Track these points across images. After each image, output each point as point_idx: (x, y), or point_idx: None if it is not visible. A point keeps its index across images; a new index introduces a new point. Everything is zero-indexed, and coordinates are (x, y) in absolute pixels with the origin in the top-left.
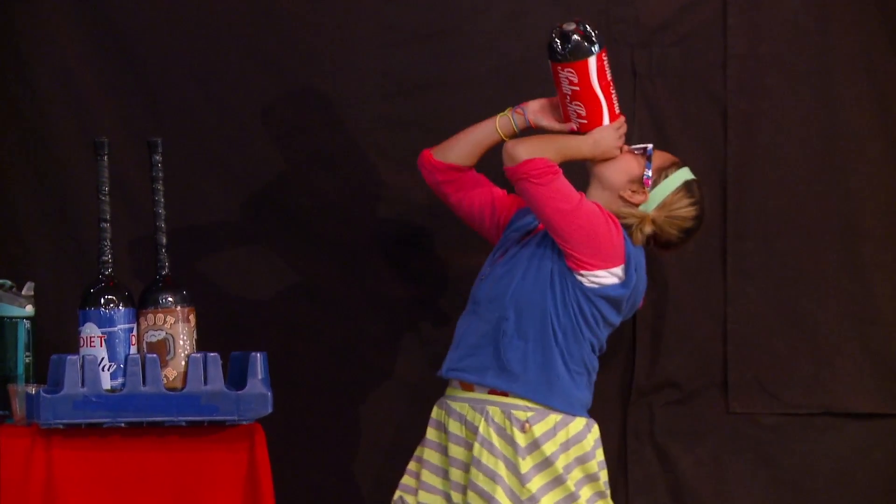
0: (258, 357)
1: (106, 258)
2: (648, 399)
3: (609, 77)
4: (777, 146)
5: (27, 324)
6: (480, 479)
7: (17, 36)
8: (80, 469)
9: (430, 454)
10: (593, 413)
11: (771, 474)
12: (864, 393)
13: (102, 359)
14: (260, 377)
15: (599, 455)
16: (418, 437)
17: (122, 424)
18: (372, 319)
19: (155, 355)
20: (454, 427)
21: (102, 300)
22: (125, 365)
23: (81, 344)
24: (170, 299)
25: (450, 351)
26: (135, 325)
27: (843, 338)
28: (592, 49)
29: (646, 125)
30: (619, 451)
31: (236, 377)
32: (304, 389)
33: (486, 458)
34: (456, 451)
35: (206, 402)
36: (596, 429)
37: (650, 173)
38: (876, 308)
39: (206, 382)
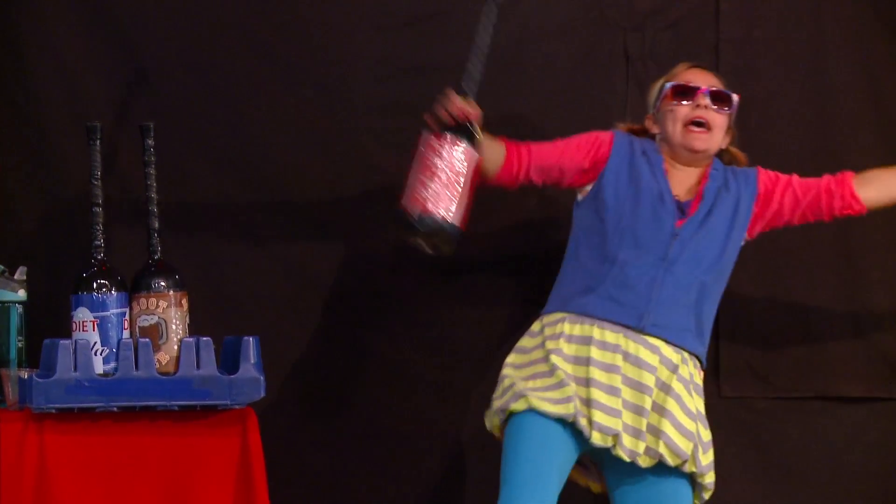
0: (250, 341)
1: (98, 243)
2: None
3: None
4: (769, 130)
5: (20, 308)
6: (681, 417)
7: (11, 22)
8: (72, 453)
9: (598, 374)
10: None
11: (763, 458)
12: (856, 377)
13: (95, 343)
14: (252, 361)
15: None
16: (412, 420)
17: (115, 409)
18: (365, 303)
19: (147, 340)
20: (646, 355)
21: (95, 285)
22: (117, 349)
23: (74, 328)
24: (162, 284)
25: (625, 294)
26: (127, 310)
27: (836, 322)
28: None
29: (638, 109)
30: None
31: (229, 362)
32: (296, 373)
33: (688, 401)
34: (649, 379)
35: (199, 387)
36: None
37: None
38: (868, 292)
39: (198, 367)
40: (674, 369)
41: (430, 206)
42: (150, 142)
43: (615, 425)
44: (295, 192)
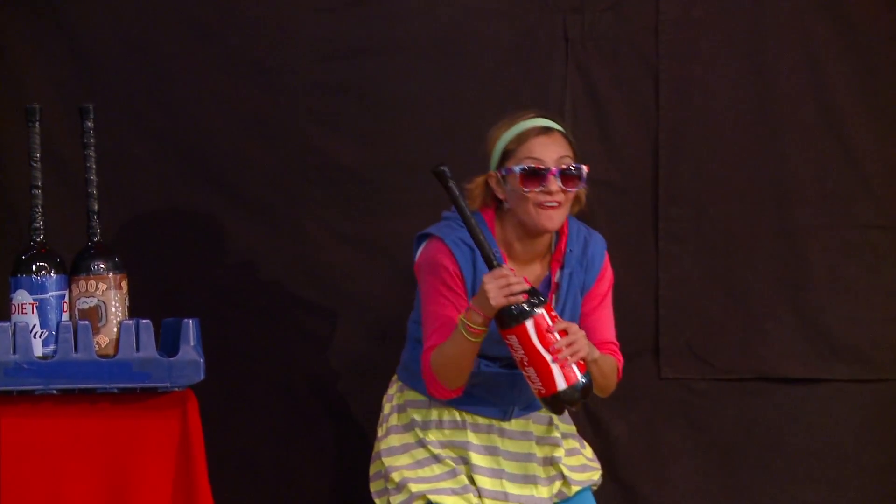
0: (190, 323)
1: (37, 225)
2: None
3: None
4: (709, 111)
5: None
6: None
7: None
8: (11, 436)
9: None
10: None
11: (703, 440)
12: (796, 358)
13: (34, 326)
14: (192, 344)
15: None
16: (351, 403)
17: (54, 391)
18: (305, 285)
19: (87, 322)
20: (520, 426)
21: (34, 267)
22: (57, 332)
23: (13, 311)
24: (101, 266)
25: (492, 395)
26: (66, 292)
27: (775, 303)
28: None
29: (578, 91)
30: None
31: (168, 344)
32: (236, 356)
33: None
34: (529, 446)
35: (139, 369)
36: None
37: (499, 172)
38: (808, 273)
39: (138, 349)
40: (549, 420)
41: (572, 377)
42: (90, 124)
43: None
44: (235, 174)
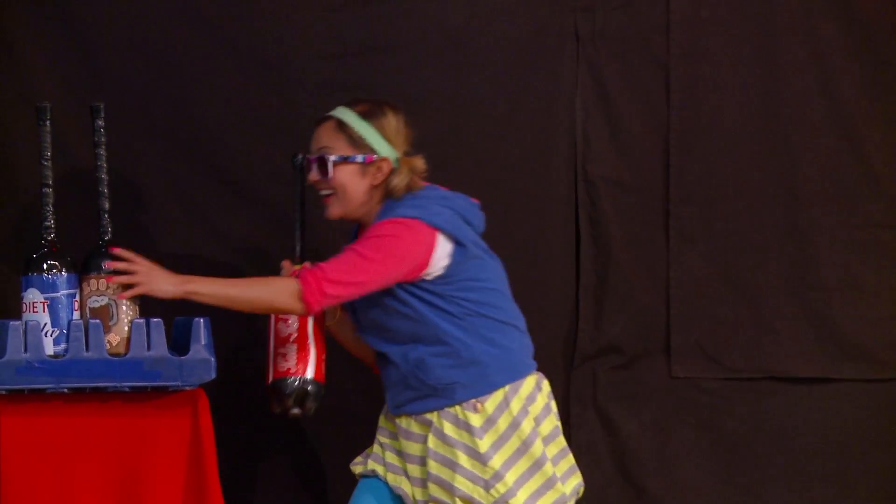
0: (201, 322)
1: (48, 223)
2: (591, 364)
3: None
4: (720, 110)
5: None
6: (436, 469)
7: None
8: (22, 435)
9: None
10: None
11: (713, 439)
12: (806, 357)
13: (45, 324)
14: (203, 342)
15: (534, 410)
16: (363, 401)
17: (65, 390)
18: None
19: (98, 321)
20: (405, 423)
21: (45, 266)
22: (68, 330)
23: (24, 309)
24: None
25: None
26: (77, 291)
27: (786, 302)
28: None
29: (588, 90)
30: (562, 417)
31: (180, 343)
32: (248, 354)
33: (442, 449)
34: (411, 448)
35: (149, 368)
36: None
37: (357, 155)
38: (818, 272)
39: (149, 348)
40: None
41: (294, 370)
42: (101, 122)
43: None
44: (244, 172)
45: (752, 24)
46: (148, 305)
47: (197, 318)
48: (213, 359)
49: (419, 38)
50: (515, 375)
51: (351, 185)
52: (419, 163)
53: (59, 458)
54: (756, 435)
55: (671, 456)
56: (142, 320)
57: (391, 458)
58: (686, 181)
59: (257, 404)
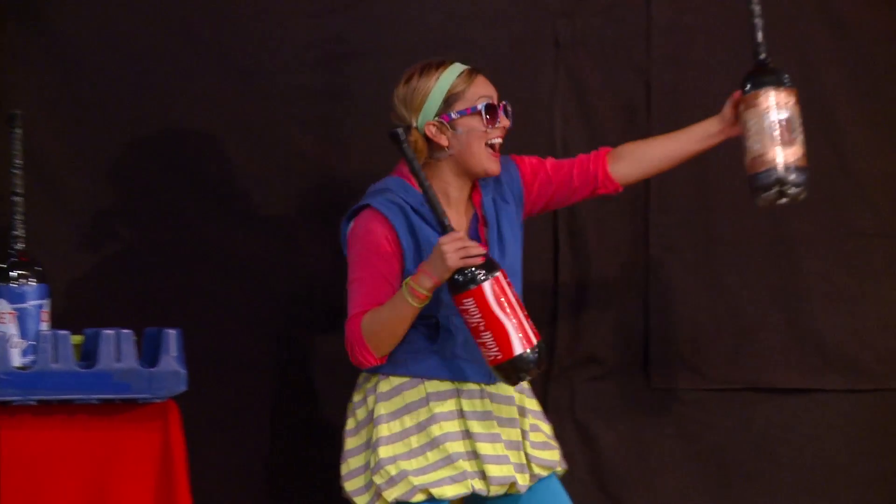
0: (172, 333)
1: (17, 233)
2: (569, 375)
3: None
4: (701, 118)
5: None
6: (538, 435)
7: None
8: None
9: (476, 426)
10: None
11: (693, 450)
12: (788, 368)
13: (13, 336)
14: (174, 354)
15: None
16: (336, 414)
17: (33, 402)
18: (290, 293)
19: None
20: (494, 388)
21: (14, 275)
22: (36, 342)
23: None
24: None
25: (470, 352)
26: (46, 301)
27: (767, 312)
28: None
29: (568, 96)
30: None
31: (150, 354)
32: (220, 366)
33: (535, 407)
34: (512, 412)
35: (119, 380)
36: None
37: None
38: (801, 281)
39: (118, 359)
40: (520, 389)
41: (531, 339)
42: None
43: (508, 472)
44: (219, 180)
45: (734, 30)
46: (114, 315)
47: (167, 329)
48: (183, 370)
49: (399, 45)
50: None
51: None
52: None
53: (26, 472)
54: (738, 447)
55: (650, 469)
56: (111, 331)
57: (486, 448)
58: (666, 189)
59: (230, 417)
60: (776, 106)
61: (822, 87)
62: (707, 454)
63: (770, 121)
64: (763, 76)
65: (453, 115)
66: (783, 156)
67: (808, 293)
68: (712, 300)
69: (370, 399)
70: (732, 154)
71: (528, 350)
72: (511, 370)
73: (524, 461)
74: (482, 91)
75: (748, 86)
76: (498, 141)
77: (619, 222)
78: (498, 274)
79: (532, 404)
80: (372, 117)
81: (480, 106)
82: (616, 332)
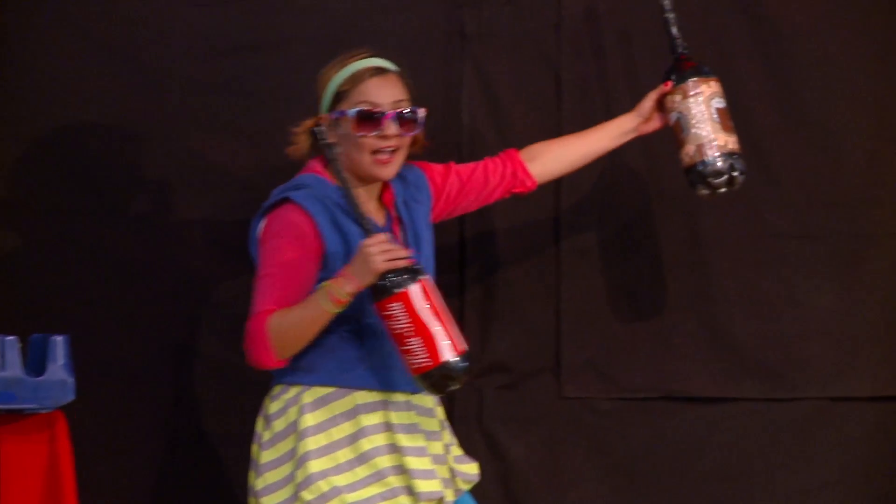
0: (59, 340)
1: None
2: (477, 383)
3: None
4: (612, 113)
5: None
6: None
7: None
8: None
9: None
10: None
11: (607, 462)
12: (705, 376)
13: None
14: (61, 362)
15: None
16: (230, 422)
17: None
18: (185, 297)
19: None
20: (418, 400)
21: None
22: None
23: None
24: None
25: (391, 360)
26: None
27: (684, 317)
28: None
29: (475, 89)
30: None
31: (36, 362)
32: (109, 374)
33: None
34: (435, 424)
35: (3, 389)
36: None
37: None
38: (718, 286)
39: (2, 367)
40: (435, 400)
41: (460, 346)
42: None
43: (437, 487)
44: (106, 178)
45: (647, 21)
46: (2, 322)
47: (54, 336)
48: (71, 379)
49: (298, 35)
50: None
51: (408, 145)
52: None
53: None
54: (653, 458)
55: (562, 482)
56: None
57: (414, 462)
58: (578, 188)
59: (121, 427)
60: (717, 94)
61: (737, 81)
62: (621, 466)
63: (714, 108)
64: (694, 66)
65: (335, 115)
66: (731, 141)
67: (725, 298)
68: (626, 305)
69: (292, 410)
70: (646, 149)
71: (459, 357)
72: (439, 378)
73: (449, 475)
74: (368, 96)
75: (682, 75)
76: (384, 152)
77: (529, 222)
78: (425, 277)
79: (442, 415)
80: (270, 111)
81: (352, 112)
82: (526, 339)
